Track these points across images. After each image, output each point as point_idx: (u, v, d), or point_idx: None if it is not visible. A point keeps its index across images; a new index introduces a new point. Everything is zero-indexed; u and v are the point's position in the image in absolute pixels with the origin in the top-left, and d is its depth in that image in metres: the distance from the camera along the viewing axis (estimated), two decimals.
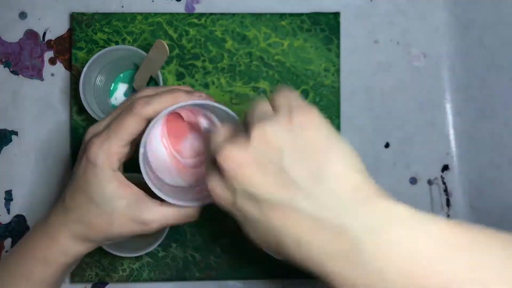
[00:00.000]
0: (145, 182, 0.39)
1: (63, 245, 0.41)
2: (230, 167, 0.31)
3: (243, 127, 0.34)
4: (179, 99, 0.39)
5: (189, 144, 0.46)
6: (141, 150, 0.39)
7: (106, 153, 0.39)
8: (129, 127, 0.38)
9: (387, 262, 0.26)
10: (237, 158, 0.31)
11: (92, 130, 0.41)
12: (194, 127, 0.46)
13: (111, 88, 0.58)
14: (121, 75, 0.58)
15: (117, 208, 0.39)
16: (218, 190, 0.33)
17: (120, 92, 0.58)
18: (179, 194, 0.42)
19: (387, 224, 0.27)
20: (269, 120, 0.31)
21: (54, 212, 0.42)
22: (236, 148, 0.31)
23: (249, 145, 0.31)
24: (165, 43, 0.48)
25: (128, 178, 0.40)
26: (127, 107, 0.39)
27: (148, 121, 0.39)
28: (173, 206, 0.40)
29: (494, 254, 0.27)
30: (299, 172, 0.29)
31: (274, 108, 0.32)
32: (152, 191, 0.39)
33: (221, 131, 0.35)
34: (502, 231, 0.28)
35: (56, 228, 0.41)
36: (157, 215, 0.40)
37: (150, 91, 0.41)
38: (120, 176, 0.40)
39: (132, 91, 0.57)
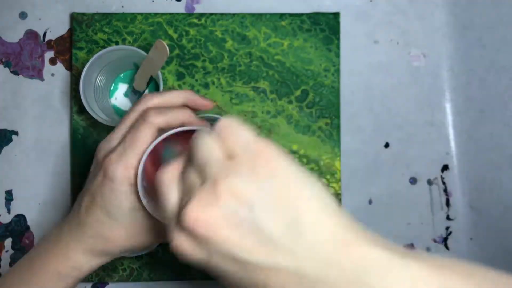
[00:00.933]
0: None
1: (78, 261, 0.41)
2: (203, 229, 0.28)
3: (194, 173, 0.31)
4: (190, 119, 0.39)
5: None
6: (140, 167, 0.38)
7: (124, 167, 0.38)
8: (145, 137, 0.38)
9: None
10: (209, 218, 0.28)
11: (104, 146, 0.40)
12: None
13: (111, 88, 0.58)
14: (121, 75, 0.58)
15: (135, 221, 0.40)
16: (187, 249, 0.30)
17: (120, 92, 0.58)
18: None
19: (364, 274, 0.27)
20: (232, 172, 0.29)
21: (67, 227, 0.42)
22: (204, 207, 0.28)
23: (219, 203, 0.28)
24: (165, 43, 0.48)
25: None
26: (139, 119, 0.39)
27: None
28: None
29: None
30: (275, 228, 0.28)
31: (228, 152, 0.30)
32: None
33: (167, 172, 0.32)
34: (478, 268, 0.27)
35: (70, 245, 0.41)
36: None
37: (155, 98, 0.41)
38: (137, 189, 0.40)
39: (132, 91, 0.57)
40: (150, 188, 0.41)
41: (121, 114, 0.58)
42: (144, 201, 0.38)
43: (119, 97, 0.58)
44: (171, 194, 0.31)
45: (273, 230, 0.28)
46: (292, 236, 0.28)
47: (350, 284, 0.27)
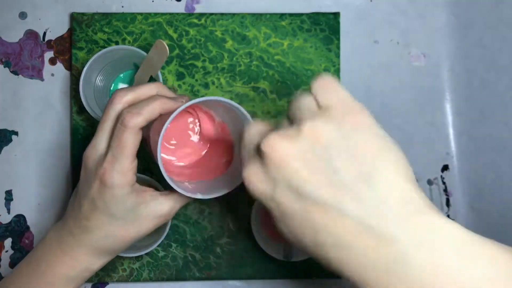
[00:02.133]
0: (146, 180, 0.39)
1: (88, 263, 0.42)
2: (277, 157, 0.30)
3: (286, 121, 0.33)
4: (166, 105, 0.40)
5: (180, 148, 0.48)
6: (159, 156, 0.39)
7: (120, 173, 0.39)
8: (129, 142, 0.39)
9: (433, 280, 0.26)
10: (285, 148, 0.29)
11: (91, 153, 0.41)
12: (182, 131, 0.47)
13: (111, 88, 0.58)
14: (121, 75, 0.58)
15: (140, 213, 0.42)
16: (255, 178, 0.31)
17: None
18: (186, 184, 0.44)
19: (438, 242, 0.26)
20: (321, 116, 0.30)
21: (68, 233, 0.42)
22: (284, 138, 0.30)
23: (299, 138, 0.29)
24: (165, 43, 0.48)
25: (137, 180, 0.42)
26: (118, 124, 0.40)
27: (142, 130, 0.40)
28: (176, 192, 0.42)
29: None
30: (349, 174, 0.28)
31: (323, 104, 0.31)
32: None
33: (259, 122, 0.34)
34: None
35: (77, 249, 0.42)
36: (171, 204, 0.43)
37: (129, 94, 0.41)
38: (137, 186, 0.42)
39: None
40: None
41: None
42: (167, 178, 0.40)
43: None
44: (255, 133, 0.33)
45: (347, 174, 0.28)
46: (365, 185, 0.28)
47: (418, 249, 0.26)
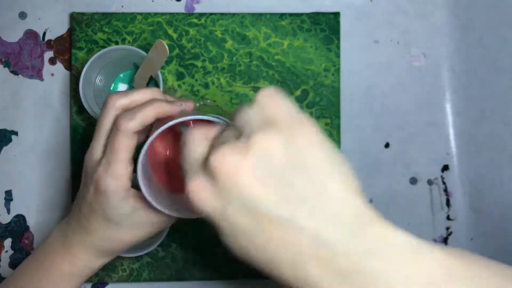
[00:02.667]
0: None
1: (89, 261, 0.43)
2: (229, 172, 0.28)
3: (232, 131, 0.32)
4: (162, 110, 0.40)
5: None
6: (139, 166, 0.38)
7: (113, 178, 0.39)
8: (123, 146, 0.39)
9: (386, 286, 0.27)
10: (236, 163, 0.28)
11: (89, 158, 0.41)
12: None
13: (111, 88, 0.58)
14: (121, 75, 0.58)
15: (136, 219, 0.41)
16: (203, 195, 0.30)
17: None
18: (175, 201, 0.43)
19: (388, 250, 0.27)
20: (271, 129, 0.29)
21: (72, 230, 0.43)
22: (234, 151, 0.28)
23: (250, 152, 0.28)
24: (165, 43, 0.48)
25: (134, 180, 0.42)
26: (113, 128, 0.39)
27: (137, 134, 0.40)
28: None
29: (487, 286, 0.27)
30: (302, 189, 0.28)
31: (271, 117, 0.30)
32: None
33: (202, 128, 0.33)
34: (495, 260, 0.29)
35: (79, 247, 0.43)
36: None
37: (122, 99, 0.41)
38: (133, 191, 0.41)
39: None
40: (157, 172, 0.43)
41: None
42: (144, 190, 0.39)
43: None
44: (199, 147, 0.32)
45: (301, 189, 0.28)
46: (319, 200, 0.28)
47: (371, 259, 0.27)
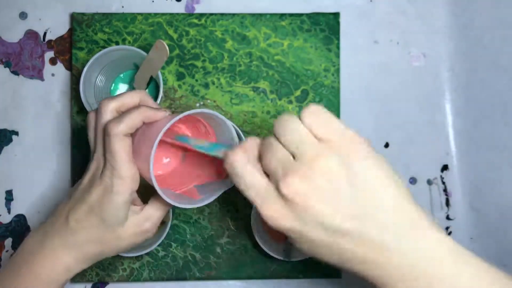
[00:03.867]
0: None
1: (70, 265, 0.43)
2: (301, 199, 0.33)
3: (280, 152, 0.34)
4: (147, 114, 0.42)
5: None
6: (151, 165, 0.39)
7: (120, 180, 0.41)
8: (119, 148, 0.40)
9: (436, 282, 0.33)
10: (305, 191, 0.33)
11: (93, 165, 0.43)
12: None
13: (112, 88, 0.58)
14: (121, 75, 0.58)
15: (129, 223, 0.43)
16: (281, 217, 0.34)
17: (120, 92, 0.58)
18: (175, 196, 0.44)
19: (439, 253, 0.33)
20: (327, 150, 0.33)
21: (55, 233, 0.43)
22: (301, 180, 0.33)
23: (313, 176, 0.33)
24: (165, 43, 0.48)
25: None
26: (104, 136, 0.41)
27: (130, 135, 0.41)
28: (159, 206, 0.44)
29: None
30: (366, 204, 0.33)
31: (322, 137, 0.34)
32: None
33: (244, 155, 0.36)
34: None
35: (60, 251, 0.43)
36: (154, 220, 0.44)
37: (112, 102, 0.42)
38: (136, 197, 0.43)
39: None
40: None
41: None
42: (158, 189, 0.40)
43: None
44: (254, 172, 0.35)
45: (364, 205, 0.33)
46: (378, 213, 0.33)
47: (425, 259, 0.32)
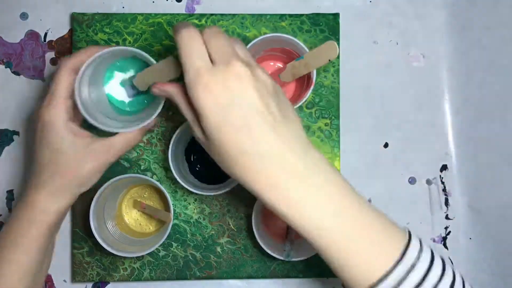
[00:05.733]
0: (140, 182, 0.40)
1: (42, 204, 0.46)
2: (247, 77, 0.38)
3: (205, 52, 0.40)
4: (93, 49, 0.48)
5: None
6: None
7: (54, 108, 0.46)
8: (63, 79, 0.46)
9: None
10: (250, 76, 0.38)
11: (37, 108, 0.48)
12: None
13: (105, 76, 0.54)
14: (118, 63, 0.54)
15: (79, 147, 0.47)
16: (215, 86, 0.37)
17: (115, 81, 0.54)
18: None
19: (316, 171, 0.39)
20: (252, 65, 0.39)
21: (28, 187, 0.48)
22: (243, 64, 0.38)
23: (253, 73, 0.38)
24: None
25: None
26: (56, 68, 0.48)
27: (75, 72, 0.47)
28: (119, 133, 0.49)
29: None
30: (281, 112, 0.39)
31: (238, 55, 0.39)
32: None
33: (196, 30, 0.40)
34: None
35: (31, 192, 0.47)
36: (111, 143, 0.49)
37: (70, 60, 0.48)
38: (71, 124, 0.47)
39: (130, 85, 0.53)
40: None
41: (116, 103, 0.54)
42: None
43: (115, 87, 0.54)
44: (197, 41, 0.39)
45: (280, 113, 0.39)
46: (287, 127, 0.39)
47: (312, 174, 0.39)
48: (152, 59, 0.48)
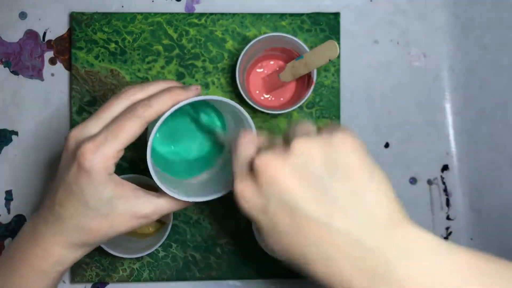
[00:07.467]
0: (140, 182, 0.39)
1: (60, 256, 0.40)
2: (269, 174, 0.31)
3: (281, 138, 0.35)
4: (179, 97, 0.39)
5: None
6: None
7: (103, 157, 0.37)
8: (131, 130, 0.37)
9: (414, 285, 0.29)
10: (277, 166, 0.31)
11: (77, 134, 0.39)
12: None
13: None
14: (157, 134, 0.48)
15: (116, 208, 0.39)
16: (248, 194, 0.33)
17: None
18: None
19: (418, 251, 0.29)
20: (311, 136, 0.32)
21: (43, 221, 0.40)
22: (277, 156, 0.32)
23: (290, 155, 0.31)
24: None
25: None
26: (125, 112, 0.38)
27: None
28: (168, 196, 0.40)
29: (506, 284, 0.30)
30: (339, 192, 0.30)
31: (314, 128, 0.34)
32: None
33: (255, 135, 0.36)
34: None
35: (49, 239, 0.40)
36: (157, 207, 0.40)
37: (139, 89, 0.40)
38: (115, 177, 0.39)
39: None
40: None
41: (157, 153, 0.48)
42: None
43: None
44: (248, 151, 0.35)
45: (337, 192, 0.31)
46: (354, 203, 0.30)
47: (401, 259, 0.29)
48: (240, 108, 0.41)
